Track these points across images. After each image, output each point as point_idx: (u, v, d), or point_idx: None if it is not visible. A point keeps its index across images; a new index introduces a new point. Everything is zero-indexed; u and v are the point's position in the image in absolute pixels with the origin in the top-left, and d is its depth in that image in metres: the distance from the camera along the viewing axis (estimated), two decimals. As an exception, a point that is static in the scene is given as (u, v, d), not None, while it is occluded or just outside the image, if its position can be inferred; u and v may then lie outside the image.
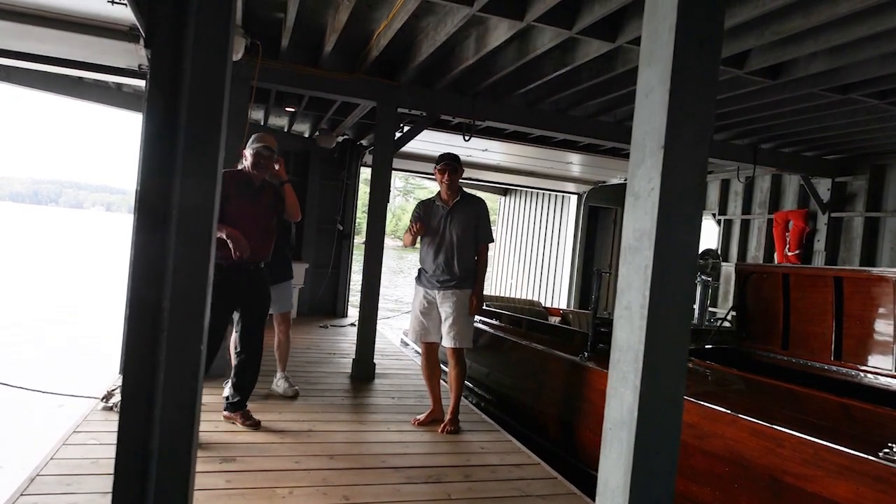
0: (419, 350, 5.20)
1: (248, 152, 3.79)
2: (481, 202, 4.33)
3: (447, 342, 4.15)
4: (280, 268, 4.46)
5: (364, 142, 9.07)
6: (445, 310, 4.13)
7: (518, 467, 3.61)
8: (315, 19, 4.75)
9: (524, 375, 5.19)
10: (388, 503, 2.96)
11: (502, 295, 11.24)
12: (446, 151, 4.34)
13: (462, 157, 9.50)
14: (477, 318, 6.59)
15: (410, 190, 65.27)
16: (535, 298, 11.24)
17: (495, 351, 5.96)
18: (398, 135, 6.28)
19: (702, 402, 3.08)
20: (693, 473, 3.01)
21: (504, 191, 13.85)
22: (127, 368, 1.43)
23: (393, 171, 10.70)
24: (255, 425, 3.84)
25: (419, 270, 4.31)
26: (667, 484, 1.75)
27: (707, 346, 4.24)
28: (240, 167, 3.87)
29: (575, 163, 9.15)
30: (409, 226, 4.27)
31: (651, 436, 1.72)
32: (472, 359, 6.32)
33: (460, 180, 4.34)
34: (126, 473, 1.36)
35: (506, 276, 14.13)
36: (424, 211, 4.27)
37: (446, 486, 3.21)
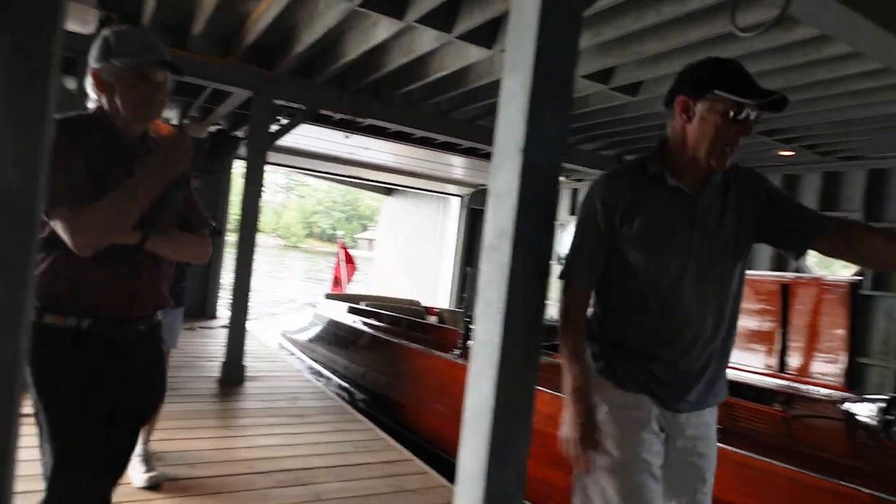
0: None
1: (108, 68, 1.63)
2: (757, 176, 1.69)
3: None
4: (176, 291, 2.91)
5: (239, 133, 8.73)
6: (698, 459, 1.66)
7: (391, 464, 3.63)
8: (182, -4, 4.50)
9: (400, 374, 5.23)
10: (255, 507, 2.88)
11: (384, 295, 11.24)
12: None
13: (344, 156, 9.49)
14: (356, 318, 6.59)
15: (292, 186, 63.44)
16: (419, 298, 11.36)
17: (373, 350, 5.96)
18: (275, 128, 6.11)
19: (558, 394, 3.26)
20: (550, 459, 3.18)
21: (388, 190, 13.87)
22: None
23: (271, 167, 10.42)
24: None
25: (608, 347, 1.69)
26: (520, 467, 1.84)
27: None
28: (91, 107, 1.70)
29: (457, 165, 9.35)
30: (574, 263, 1.70)
31: (506, 423, 1.81)
32: (350, 359, 6.31)
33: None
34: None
35: (389, 276, 14.15)
36: (632, 200, 1.62)
37: (317, 488, 3.17)
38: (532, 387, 1.90)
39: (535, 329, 1.89)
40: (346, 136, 6.18)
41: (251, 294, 5.44)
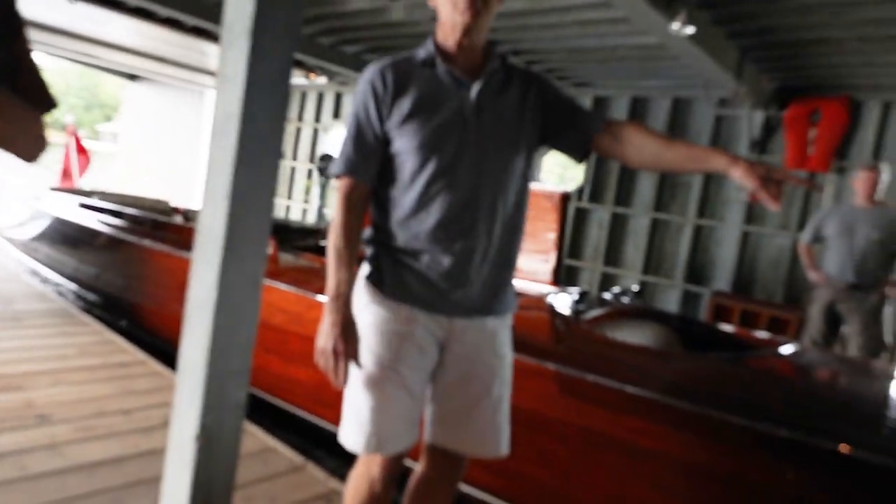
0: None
1: None
2: (541, 78, 1.67)
3: (472, 445, 1.60)
4: None
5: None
6: (480, 368, 1.58)
7: (121, 366, 3.42)
8: None
9: (139, 275, 4.87)
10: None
11: (125, 192, 10.16)
12: None
13: (75, 30, 8.12)
14: (90, 215, 5.89)
15: (14, 63, 52.43)
16: (170, 196, 10.46)
17: (108, 251, 5.42)
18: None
19: (305, 293, 3.33)
20: (291, 355, 3.28)
21: (132, 76, 12.26)
22: None
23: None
24: None
25: (378, 249, 1.60)
26: (244, 358, 1.86)
27: (321, 243, 4.56)
28: None
29: (212, 55, 8.56)
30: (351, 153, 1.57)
31: (230, 314, 1.80)
32: (81, 260, 5.68)
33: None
34: None
35: (134, 172, 12.77)
36: (401, 86, 1.54)
37: (30, 393, 2.88)
38: (259, 277, 1.90)
39: (263, 218, 1.87)
40: (71, 3, 5.26)
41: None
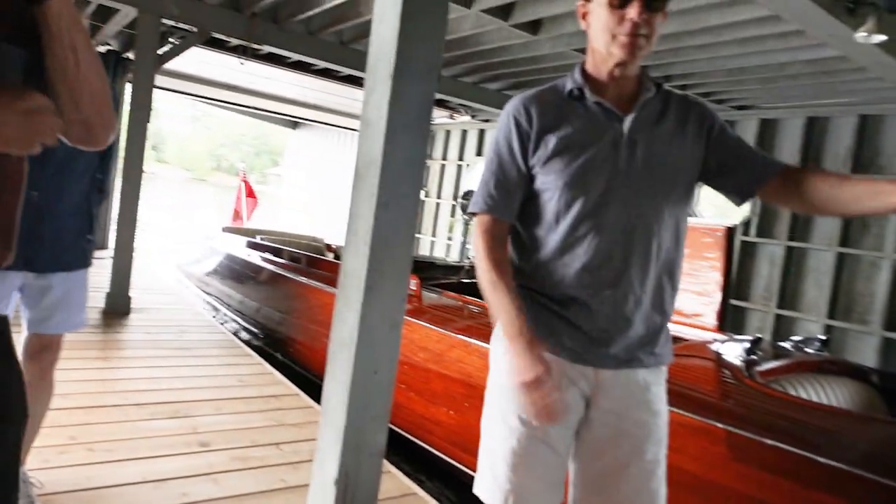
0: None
1: None
2: (703, 107, 1.49)
3: None
4: (73, 240, 2.10)
5: (131, 55, 8.07)
6: (630, 426, 1.40)
7: (276, 398, 3.60)
8: None
9: (294, 309, 5.16)
10: (124, 440, 2.78)
11: (283, 230, 10.98)
12: None
13: (244, 85, 9.00)
14: (253, 252, 6.40)
15: (199, 117, 59.67)
16: (327, 235, 11.15)
17: (267, 285, 5.83)
18: (165, 49, 5.70)
19: (447, 332, 3.30)
20: (432, 395, 3.26)
21: (294, 124, 13.35)
22: None
23: (175, 96, 9.70)
24: None
25: (518, 293, 1.41)
26: (384, 400, 1.86)
27: (464, 280, 4.55)
28: None
29: (361, 100, 9.09)
30: (488, 190, 1.44)
31: (370, 356, 1.80)
32: (245, 294, 6.15)
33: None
34: None
35: (296, 212, 13.81)
36: (547, 119, 1.41)
37: (194, 420, 3.10)
38: (399, 319, 1.89)
39: (403, 262, 1.88)
40: (241, 63, 5.84)
41: (140, 223, 5.33)
